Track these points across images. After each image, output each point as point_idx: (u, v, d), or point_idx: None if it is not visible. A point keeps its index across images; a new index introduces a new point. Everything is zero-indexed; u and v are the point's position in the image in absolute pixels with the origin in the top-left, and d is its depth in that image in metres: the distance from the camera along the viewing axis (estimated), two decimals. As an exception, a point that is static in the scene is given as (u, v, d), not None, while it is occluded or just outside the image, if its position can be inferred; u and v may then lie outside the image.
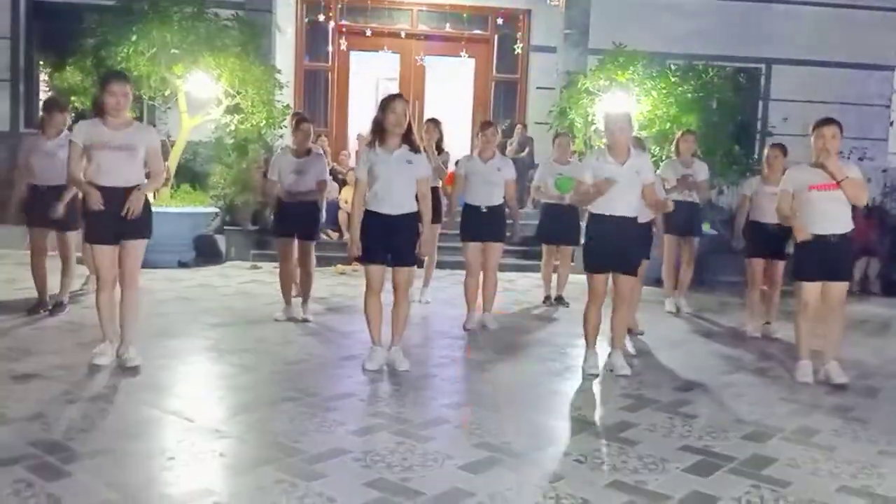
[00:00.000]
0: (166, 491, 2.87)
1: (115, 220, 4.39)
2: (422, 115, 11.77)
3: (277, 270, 6.38)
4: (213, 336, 5.51)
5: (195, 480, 2.97)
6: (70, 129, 6.00)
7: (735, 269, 8.58)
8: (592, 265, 4.77)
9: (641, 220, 5.08)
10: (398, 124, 4.54)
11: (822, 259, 4.69)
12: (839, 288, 4.77)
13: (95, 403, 3.86)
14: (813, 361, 4.85)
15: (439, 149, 7.00)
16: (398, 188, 4.59)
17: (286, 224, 6.12)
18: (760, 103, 11.62)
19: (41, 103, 6.57)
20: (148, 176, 4.62)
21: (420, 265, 5.05)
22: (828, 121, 4.74)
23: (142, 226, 4.51)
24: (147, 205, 4.57)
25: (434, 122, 7.20)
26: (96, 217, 4.43)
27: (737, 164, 9.39)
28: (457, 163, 6.26)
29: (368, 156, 4.63)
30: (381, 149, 4.59)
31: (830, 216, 4.69)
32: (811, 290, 4.78)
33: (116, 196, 4.38)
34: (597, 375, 4.75)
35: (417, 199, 4.68)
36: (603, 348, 4.99)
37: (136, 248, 4.51)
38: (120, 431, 3.48)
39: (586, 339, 4.88)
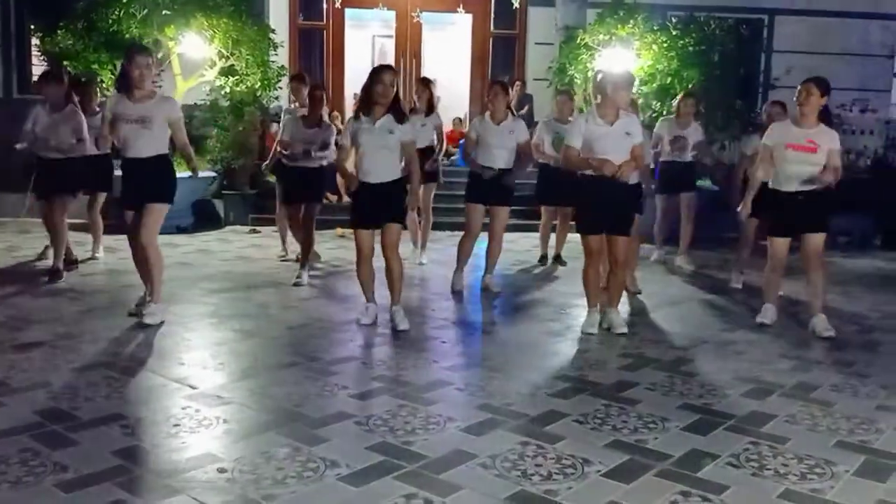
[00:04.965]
0: (172, 457, 2.91)
1: (137, 189, 4.68)
2: (419, 72, 11.62)
3: (277, 227, 7.08)
4: (214, 302, 5.53)
5: (200, 446, 3.00)
6: (73, 99, 6.24)
7: (737, 226, 8.55)
8: (585, 226, 4.80)
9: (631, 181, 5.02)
10: (384, 95, 4.60)
11: (792, 215, 4.78)
12: (814, 239, 4.85)
13: (100, 371, 3.88)
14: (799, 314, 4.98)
15: (431, 108, 6.89)
16: (381, 158, 4.67)
17: (292, 190, 6.20)
18: (763, 55, 11.44)
19: (41, 72, 6.56)
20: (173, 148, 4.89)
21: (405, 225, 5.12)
22: (808, 80, 4.81)
23: (163, 191, 4.74)
24: (171, 172, 4.83)
25: (424, 83, 7.06)
26: (125, 185, 4.81)
27: (739, 118, 9.27)
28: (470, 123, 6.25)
29: (353, 124, 4.72)
30: (366, 118, 4.67)
31: (803, 177, 4.73)
32: (781, 245, 4.92)
33: (134, 167, 4.67)
34: (593, 335, 4.77)
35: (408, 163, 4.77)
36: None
37: (153, 209, 4.72)
38: (125, 399, 3.52)
39: (588, 299, 4.90)
